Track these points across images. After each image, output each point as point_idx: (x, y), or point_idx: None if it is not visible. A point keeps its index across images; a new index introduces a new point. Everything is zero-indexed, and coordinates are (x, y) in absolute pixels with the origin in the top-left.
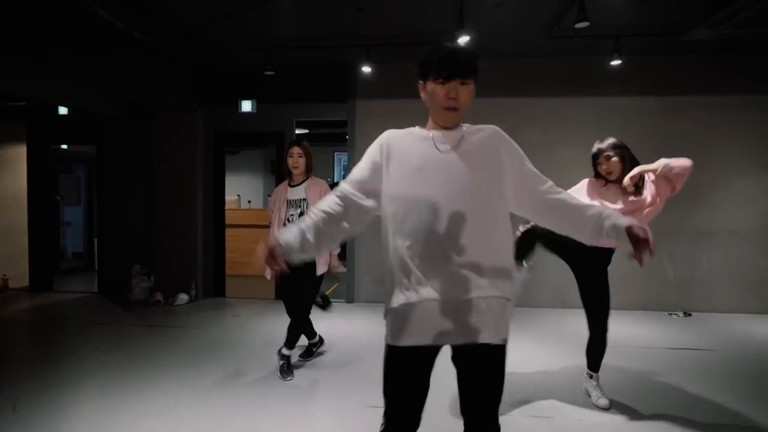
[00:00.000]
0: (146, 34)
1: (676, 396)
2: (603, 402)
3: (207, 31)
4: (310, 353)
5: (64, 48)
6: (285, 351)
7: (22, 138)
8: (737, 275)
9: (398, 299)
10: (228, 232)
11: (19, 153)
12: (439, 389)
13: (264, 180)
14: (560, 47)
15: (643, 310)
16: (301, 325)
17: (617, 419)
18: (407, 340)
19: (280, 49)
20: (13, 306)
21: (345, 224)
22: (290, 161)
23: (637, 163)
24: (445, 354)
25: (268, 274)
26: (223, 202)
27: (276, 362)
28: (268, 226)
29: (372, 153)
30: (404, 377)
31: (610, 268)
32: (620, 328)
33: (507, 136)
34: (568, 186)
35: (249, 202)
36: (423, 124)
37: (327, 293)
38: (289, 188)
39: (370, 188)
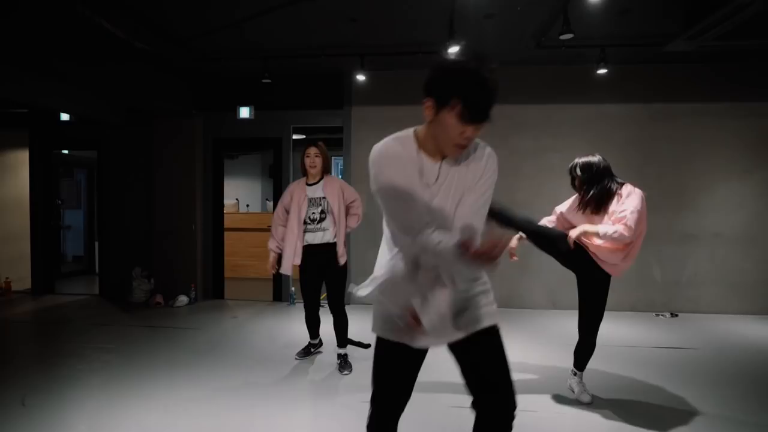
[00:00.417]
0: (146, 44)
1: (657, 392)
2: (585, 397)
3: (206, 40)
4: (307, 352)
5: (67, 57)
6: (340, 351)
7: (24, 144)
8: (722, 277)
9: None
10: (227, 235)
11: (22, 158)
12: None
13: (262, 184)
14: (548, 56)
15: (632, 311)
16: (343, 319)
17: (597, 413)
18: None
19: (277, 58)
20: (16, 308)
21: None
22: (307, 161)
23: (602, 184)
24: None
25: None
26: (221, 206)
27: (276, 362)
28: (266, 230)
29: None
30: (393, 367)
31: None
32: (609, 328)
33: (496, 164)
34: (556, 190)
35: (247, 206)
36: (417, 128)
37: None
38: (307, 187)
39: None
